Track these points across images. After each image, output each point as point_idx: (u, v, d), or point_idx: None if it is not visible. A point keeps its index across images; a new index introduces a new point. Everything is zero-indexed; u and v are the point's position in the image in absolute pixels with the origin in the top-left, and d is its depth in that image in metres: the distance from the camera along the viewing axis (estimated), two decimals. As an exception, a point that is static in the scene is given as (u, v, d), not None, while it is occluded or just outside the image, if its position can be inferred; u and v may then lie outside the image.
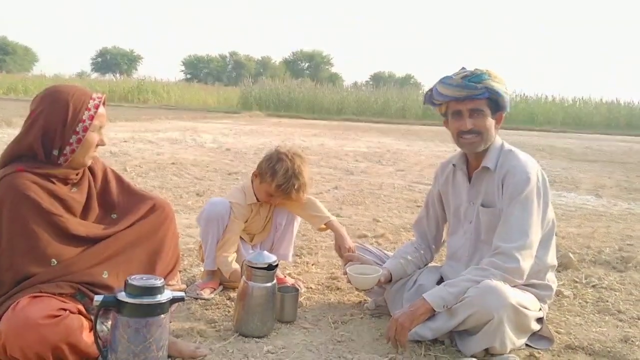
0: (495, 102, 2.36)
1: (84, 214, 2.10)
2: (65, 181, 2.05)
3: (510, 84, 2.42)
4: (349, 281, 2.61)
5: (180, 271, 3.06)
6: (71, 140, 2.00)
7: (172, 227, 2.29)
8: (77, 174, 2.09)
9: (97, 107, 2.05)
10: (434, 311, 2.24)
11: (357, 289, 2.75)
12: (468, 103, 2.35)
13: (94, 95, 2.07)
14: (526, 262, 2.26)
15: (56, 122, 1.99)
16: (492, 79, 2.33)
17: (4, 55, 59.41)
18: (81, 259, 2.00)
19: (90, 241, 2.05)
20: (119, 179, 2.27)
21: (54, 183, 2.01)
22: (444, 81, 2.37)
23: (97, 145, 2.10)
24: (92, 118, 2.02)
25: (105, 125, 2.09)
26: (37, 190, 1.95)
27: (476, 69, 2.35)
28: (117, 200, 2.21)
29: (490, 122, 2.38)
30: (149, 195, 2.30)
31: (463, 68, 2.40)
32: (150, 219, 2.21)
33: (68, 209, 2.03)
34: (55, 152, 2.00)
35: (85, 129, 2.01)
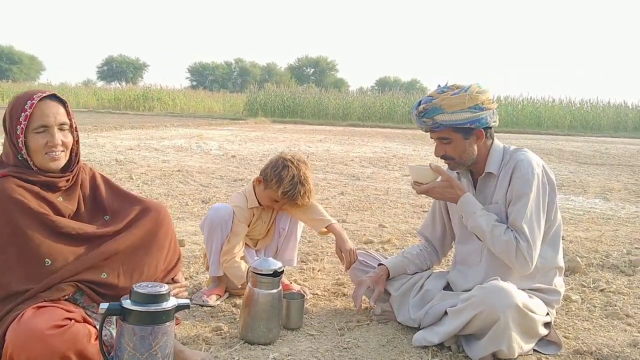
0: (461, 127, 2.34)
1: (73, 218, 2.09)
2: (51, 187, 2.04)
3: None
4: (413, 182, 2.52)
5: (186, 278, 3.07)
6: (20, 145, 2.00)
7: (170, 227, 2.25)
8: (67, 180, 2.08)
9: (32, 106, 1.99)
10: (459, 203, 2.36)
11: (414, 185, 2.52)
12: (432, 133, 2.41)
13: (35, 95, 2.02)
14: (537, 250, 2.30)
15: (6, 128, 2.03)
16: (446, 111, 2.29)
17: (10, 65, 59.79)
18: (79, 263, 1.98)
19: (82, 239, 2.03)
20: (107, 183, 2.26)
21: (40, 188, 2.01)
22: (412, 111, 2.44)
23: (52, 146, 2.01)
24: (26, 119, 1.99)
25: (57, 124, 2.02)
26: (23, 193, 1.95)
27: (429, 103, 2.32)
28: (107, 204, 2.19)
29: (463, 144, 2.37)
30: (140, 198, 2.27)
31: (438, 86, 2.41)
32: (146, 220, 2.17)
33: (56, 211, 2.02)
34: (19, 157, 2.01)
35: (22, 131, 1.99)
